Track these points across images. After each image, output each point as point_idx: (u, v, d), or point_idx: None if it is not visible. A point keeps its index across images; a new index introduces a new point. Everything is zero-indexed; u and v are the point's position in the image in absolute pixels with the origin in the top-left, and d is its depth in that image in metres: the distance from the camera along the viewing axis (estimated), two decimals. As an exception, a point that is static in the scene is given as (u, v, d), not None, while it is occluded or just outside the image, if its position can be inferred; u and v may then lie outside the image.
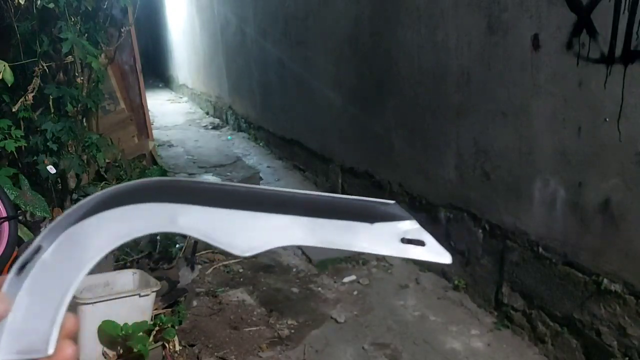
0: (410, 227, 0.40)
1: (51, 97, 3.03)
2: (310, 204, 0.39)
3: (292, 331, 2.49)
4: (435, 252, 0.39)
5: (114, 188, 0.35)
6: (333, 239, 0.39)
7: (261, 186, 0.38)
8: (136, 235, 0.37)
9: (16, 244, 2.58)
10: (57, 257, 0.34)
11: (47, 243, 0.34)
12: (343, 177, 4.01)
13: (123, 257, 2.86)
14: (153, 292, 2.25)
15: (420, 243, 0.39)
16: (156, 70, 12.18)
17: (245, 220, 0.38)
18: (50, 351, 0.32)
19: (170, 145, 6.49)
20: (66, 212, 0.34)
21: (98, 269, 2.28)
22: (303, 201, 0.39)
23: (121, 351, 2.17)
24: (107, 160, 3.64)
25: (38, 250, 0.34)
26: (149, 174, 3.22)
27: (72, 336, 0.35)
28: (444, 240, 2.85)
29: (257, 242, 0.37)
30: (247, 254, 0.37)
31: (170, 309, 2.51)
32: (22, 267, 0.33)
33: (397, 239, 0.39)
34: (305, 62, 4.36)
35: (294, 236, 0.39)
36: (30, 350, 0.32)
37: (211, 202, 0.37)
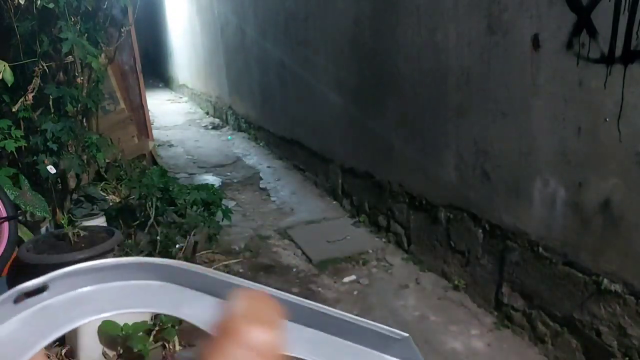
0: None
1: (51, 97, 3.03)
2: (319, 317, 0.38)
3: (292, 331, 2.49)
4: None
5: (138, 261, 0.35)
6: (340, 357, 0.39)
7: (277, 290, 0.37)
8: (141, 310, 0.36)
9: (16, 244, 2.58)
10: (61, 307, 0.34)
11: (56, 288, 0.34)
12: (343, 177, 4.01)
13: (123, 257, 2.86)
14: (153, 292, 2.25)
15: None
16: (156, 70, 12.18)
17: None
18: None
19: (170, 145, 6.49)
20: (82, 266, 0.34)
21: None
22: (312, 313, 0.38)
23: (121, 351, 2.16)
24: (107, 160, 3.64)
25: (42, 288, 0.33)
26: (149, 174, 3.21)
27: None
28: (444, 240, 2.85)
29: None
30: None
31: (170, 309, 2.51)
32: (21, 297, 0.33)
33: None
34: (305, 62, 4.36)
35: (297, 347, 0.38)
36: None
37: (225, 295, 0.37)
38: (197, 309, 0.37)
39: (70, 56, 3.10)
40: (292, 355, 0.39)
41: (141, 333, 2.13)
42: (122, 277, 0.36)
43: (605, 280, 1.92)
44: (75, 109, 3.20)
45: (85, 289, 0.35)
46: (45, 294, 0.34)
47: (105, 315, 0.35)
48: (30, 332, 0.33)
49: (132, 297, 0.36)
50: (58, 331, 0.34)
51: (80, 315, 0.35)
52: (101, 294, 0.35)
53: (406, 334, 0.39)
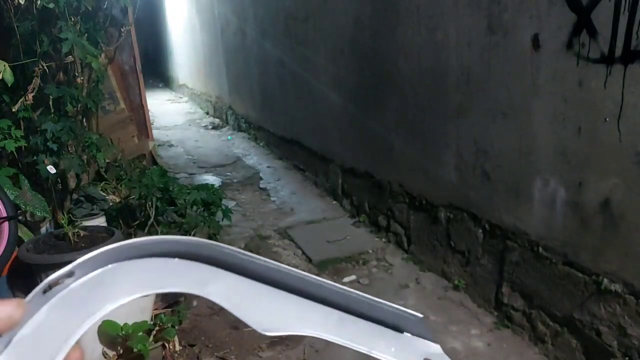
0: (436, 351, 0.42)
1: (51, 97, 3.03)
2: (341, 297, 0.40)
3: (292, 331, 2.49)
4: None
5: (158, 238, 0.36)
6: (359, 339, 0.40)
7: (301, 271, 0.38)
8: (166, 290, 0.37)
9: (16, 244, 2.58)
10: (86, 289, 0.34)
11: (81, 272, 0.34)
12: (343, 177, 4.01)
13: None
14: (153, 292, 2.25)
15: None
16: (156, 70, 12.18)
17: (277, 299, 0.38)
18: None
19: (170, 145, 6.50)
20: (105, 248, 0.34)
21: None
22: (334, 293, 0.39)
23: (121, 351, 2.17)
24: (107, 160, 3.64)
25: (69, 275, 0.34)
26: (149, 174, 3.21)
27: None
28: (444, 240, 2.85)
29: (282, 324, 0.38)
30: (267, 333, 0.37)
31: (170, 309, 2.51)
32: (49, 287, 0.33)
33: (420, 357, 0.41)
34: (305, 62, 4.36)
35: (320, 327, 0.39)
36: None
37: (246, 274, 0.38)
38: (221, 287, 0.37)
39: (70, 56, 3.10)
40: (315, 335, 0.40)
41: (141, 333, 2.13)
42: (143, 256, 0.36)
43: (605, 280, 1.92)
44: (75, 109, 3.20)
45: (108, 272, 0.35)
46: (70, 279, 0.35)
47: (130, 299, 0.35)
48: (60, 318, 0.33)
49: (156, 278, 0.36)
50: (89, 320, 0.34)
51: (106, 299, 0.35)
52: (124, 277, 0.35)
53: (420, 315, 0.41)
